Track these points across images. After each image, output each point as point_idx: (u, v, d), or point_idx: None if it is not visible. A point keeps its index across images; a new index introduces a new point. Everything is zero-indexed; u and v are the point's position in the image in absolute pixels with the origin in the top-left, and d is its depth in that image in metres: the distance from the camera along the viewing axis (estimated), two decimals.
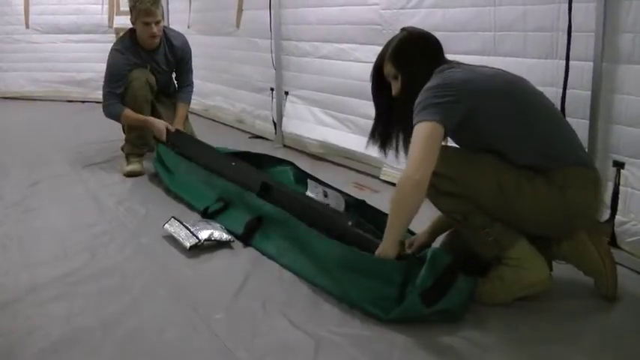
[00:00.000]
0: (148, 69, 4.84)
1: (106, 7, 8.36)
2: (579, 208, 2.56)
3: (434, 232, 3.02)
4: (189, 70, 5.14)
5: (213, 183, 4.04)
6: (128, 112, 4.69)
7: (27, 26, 8.66)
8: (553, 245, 2.70)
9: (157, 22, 4.67)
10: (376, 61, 2.87)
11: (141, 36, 4.74)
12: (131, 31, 4.82)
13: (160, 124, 4.67)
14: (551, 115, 2.66)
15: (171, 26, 7.54)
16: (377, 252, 2.62)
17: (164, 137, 4.63)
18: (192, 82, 5.17)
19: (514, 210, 2.57)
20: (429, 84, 2.57)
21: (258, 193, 3.61)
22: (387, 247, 2.58)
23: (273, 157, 4.43)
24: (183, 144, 4.59)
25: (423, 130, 2.46)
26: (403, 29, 2.85)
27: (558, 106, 3.12)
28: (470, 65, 2.71)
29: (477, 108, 2.52)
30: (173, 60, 4.98)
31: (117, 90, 4.71)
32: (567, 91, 3.14)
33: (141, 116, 4.71)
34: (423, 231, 3.05)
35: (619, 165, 3.03)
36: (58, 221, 3.73)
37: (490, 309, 2.59)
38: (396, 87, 2.77)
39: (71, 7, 8.45)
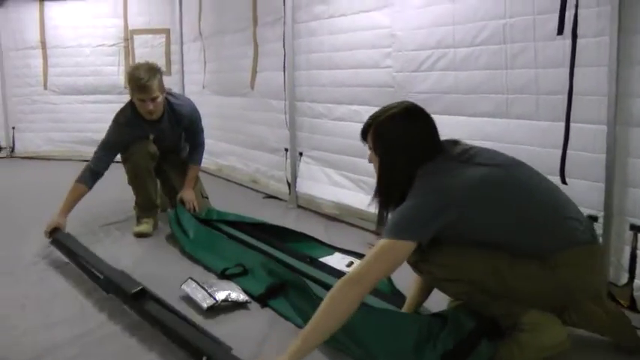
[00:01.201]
0: (151, 138, 4.83)
1: (122, 68, 8.48)
2: (573, 285, 2.56)
3: (426, 289, 3.00)
4: (199, 132, 5.12)
5: (232, 249, 4.12)
6: (73, 189, 4.63)
7: (45, 87, 8.79)
8: (563, 315, 2.67)
9: (153, 99, 4.57)
10: (365, 123, 2.81)
11: (139, 110, 4.67)
12: (132, 103, 4.76)
13: (52, 222, 4.41)
14: (544, 204, 2.62)
15: (186, 87, 7.71)
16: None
17: (47, 233, 4.38)
18: (203, 142, 5.16)
19: (512, 290, 2.58)
20: (413, 191, 2.55)
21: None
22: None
23: (295, 232, 4.44)
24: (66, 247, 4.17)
25: (387, 247, 2.46)
26: (403, 103, 2.78)
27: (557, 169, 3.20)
28: (457, 160, 2.63)
29: (461, 220, 2.50)
30: (179, 127, 4.97)
31: (105, 158, 4.70)
32: (581, 153, 3.17)
33: (66, 201, 4.57)
34: (412, 293, 3.04)
35: (636, 228, 3.01)
36: (75, 281, 3.75)
37: None
38: (374, 160, 2.78)
39: (88, 68, 8.60)
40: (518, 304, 2.58)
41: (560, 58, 3.21)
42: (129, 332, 3.04)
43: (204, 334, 2.84)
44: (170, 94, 4.93)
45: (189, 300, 3.31)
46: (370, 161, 2.83)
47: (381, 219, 2.78)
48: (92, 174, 4.66)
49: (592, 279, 2.63)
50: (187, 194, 4.88)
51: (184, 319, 2.98)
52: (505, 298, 2.59)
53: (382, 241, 2.47)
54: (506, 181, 2.58)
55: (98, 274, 3.57)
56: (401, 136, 2.66)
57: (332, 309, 2.43)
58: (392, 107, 2.74)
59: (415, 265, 2.76)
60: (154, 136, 4.84)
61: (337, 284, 2.45)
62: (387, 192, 2.73)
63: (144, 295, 3.19)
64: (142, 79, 4.47)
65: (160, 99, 4.63)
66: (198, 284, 3.36)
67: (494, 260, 2.56)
